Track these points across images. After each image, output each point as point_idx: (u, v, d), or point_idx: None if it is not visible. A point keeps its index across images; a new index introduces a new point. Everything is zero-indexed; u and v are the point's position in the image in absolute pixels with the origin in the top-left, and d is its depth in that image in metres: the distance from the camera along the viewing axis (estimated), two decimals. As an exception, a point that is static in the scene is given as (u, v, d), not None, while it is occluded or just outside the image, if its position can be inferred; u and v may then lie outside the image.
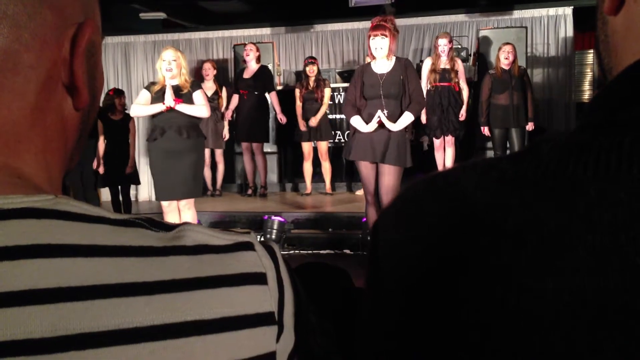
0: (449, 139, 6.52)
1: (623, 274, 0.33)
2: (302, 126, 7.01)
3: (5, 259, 0.37)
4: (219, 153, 7.45)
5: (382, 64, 4.29)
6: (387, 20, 4.25)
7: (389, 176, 4.22)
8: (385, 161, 4.21)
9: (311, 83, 6.95)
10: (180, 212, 4.59)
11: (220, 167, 7.53)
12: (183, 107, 4.42)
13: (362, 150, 4.27)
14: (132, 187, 6.83)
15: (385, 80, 4.24)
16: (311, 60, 7.06)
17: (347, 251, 5.66)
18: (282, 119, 7.17)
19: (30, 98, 0.44)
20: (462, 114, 6.51)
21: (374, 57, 4.28)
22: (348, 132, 7.01)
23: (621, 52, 0.43)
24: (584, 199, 0.35)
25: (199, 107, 4.47)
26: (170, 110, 4.39)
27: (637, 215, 0.33)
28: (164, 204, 4.62)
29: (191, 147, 4.50)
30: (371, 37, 4.22)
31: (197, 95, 4.50)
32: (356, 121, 4.29)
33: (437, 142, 6.59)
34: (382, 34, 4.17)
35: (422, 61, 7.37)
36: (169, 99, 4.36)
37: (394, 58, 4.32)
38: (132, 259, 0.41)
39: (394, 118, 4.21)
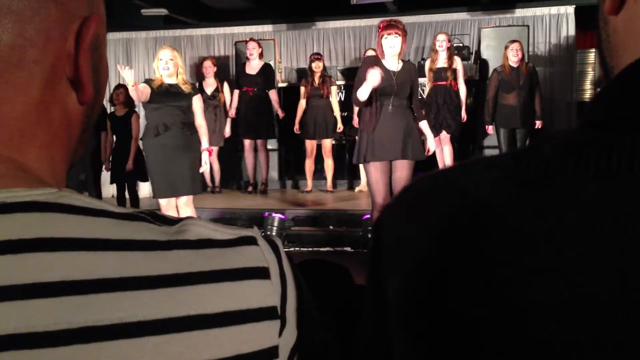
0: (445, 137, 6.48)
1: (624, 271, 0.33)
2: (297, 129, 7.00)
3: (8, 252, 0.37)
4: (214, 151, 7.40)
5: (391, 63, 4.28)
6: (396, 21, 4.27)
7: (405, 170, 4.25)
8: (406, 157, 4.21)
9: (317, 79, 6.92)
10: (178, 209, 4.56)
11: (216, 166, 7.46)
12: (206, 142, 4.67)
13: (379, 150, 4.20)
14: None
15: (397, 77, 4.24)
16: (317, 56, 7.02)
17: (348, 249, 5.66)
18: (281, 113, 7.21)
19: (35, 93, 0.44)
20: (463, 117, 6.47)
21: (383, 57, 4.26)
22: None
23: (622, 52, 0.43)
24: (585, 196, 0.35)
25: (203, 126, 4.65)
26: (174, 107, 4.47)
27: (638, 213, 0.34)
28: (162, 202, 4.58)
29: (191, 144, 4.54)
30: (384, 37, 4.20)
31: (197, 102, 4.62)
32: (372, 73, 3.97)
33: (436, 140, 6.57)
34: (396, 33, 4.17)
35: (423, 59, 7.36)
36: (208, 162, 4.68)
37: (401, 60, 4.34)
38: (135, 252, 0.41)
39: (402, 115, 4.24)
